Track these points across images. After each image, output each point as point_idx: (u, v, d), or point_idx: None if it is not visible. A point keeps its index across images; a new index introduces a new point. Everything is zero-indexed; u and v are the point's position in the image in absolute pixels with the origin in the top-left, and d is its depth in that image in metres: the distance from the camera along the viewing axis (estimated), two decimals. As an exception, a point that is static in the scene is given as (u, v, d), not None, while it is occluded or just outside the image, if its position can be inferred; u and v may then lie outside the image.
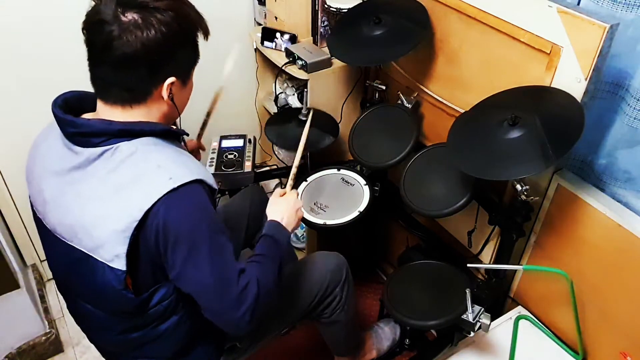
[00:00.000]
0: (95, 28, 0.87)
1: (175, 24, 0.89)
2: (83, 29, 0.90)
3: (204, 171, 0.96)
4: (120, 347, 1.09)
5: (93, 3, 0.89)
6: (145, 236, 0.90)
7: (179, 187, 0.89)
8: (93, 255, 0.92)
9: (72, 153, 0.94)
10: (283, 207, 1.19)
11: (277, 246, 1.09)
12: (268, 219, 1.16)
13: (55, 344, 1.78)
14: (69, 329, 1.86)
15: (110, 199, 0.90)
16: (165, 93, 0.94)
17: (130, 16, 0.86)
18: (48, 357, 1.78)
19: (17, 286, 1.65)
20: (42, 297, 1.88)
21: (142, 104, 0.94)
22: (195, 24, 0.95)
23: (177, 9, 0.91)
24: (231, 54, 1.33)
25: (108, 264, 0.91)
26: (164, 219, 0.88)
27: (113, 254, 0.90)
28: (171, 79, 0.94)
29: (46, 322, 1.78)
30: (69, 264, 0.98)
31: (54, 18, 1.58)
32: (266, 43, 1.80)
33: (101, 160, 0.92)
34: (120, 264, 0.90)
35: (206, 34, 0.98)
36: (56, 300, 1.94)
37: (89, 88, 0.99)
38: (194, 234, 0.91)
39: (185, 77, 0.98)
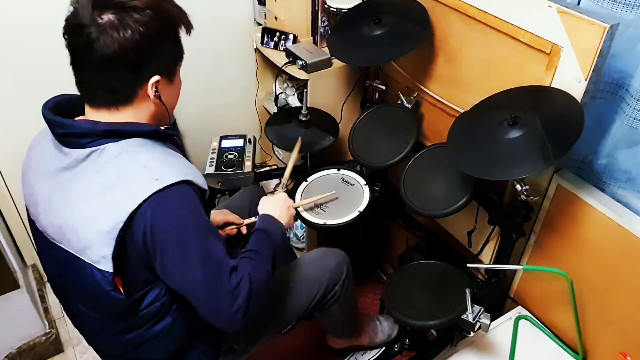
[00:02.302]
0: (74, 31, 0.87)
1: (153, 23, 0.88)
2: (64, 33, 0.89)
3: (192, 172, 0.95)
4: (116, 349, 1.09)
5: (72, 8, 0.88)
6: (133, 237, 0.90)
7: (165, 188, 0.89)
8: (81, 257, 0.92)
9: (62, 154, 0.94)
10: (274, 202, 1.21)
11: (269, 239, 1.10)
12: (260, 214, 1.18)
13: (55, 344, 1.78)
14: (69, 329, 1.86)
15: (96, 200, 0.90)
16: (151, 92, 0.94)
17: (106, 17, 0.85)
18: (48, 357, 1.78)
19: (17, 286, 1.65)
20: (42, 297, 1.88)
21: (129, 105, 0.94)
22: (175, 20, 0.94)
23: (155, 7, 0.89)
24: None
25: (95, 265, 0.91)
26: (151, 221, 0.88)
27: (99, 255, 0.90)
28: (155, 78, 0.93)
29: (46, 322, 1.78)
30: (60, 266, 0.98)
31: (55, 18, 1.57)
32: (266, 43, 1.80)
33: (88, 162, 0.92)
34: (107, 266, 0.90)
35: (188, 29, 0.96)
36: (56, 300, 1.92)
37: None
38: (182, 235, 0.91)
39: (170, 74, 0.97)
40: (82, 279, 0.94)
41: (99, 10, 0.85)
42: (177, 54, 0.98)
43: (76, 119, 0.97)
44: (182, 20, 0.95)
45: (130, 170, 0.91)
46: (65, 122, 0.92)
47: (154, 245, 0.90)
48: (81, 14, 0.86)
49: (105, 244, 0.89)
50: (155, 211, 0.88)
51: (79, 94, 0.99)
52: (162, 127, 1.00)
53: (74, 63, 0.91)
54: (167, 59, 0.96)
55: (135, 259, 0.93)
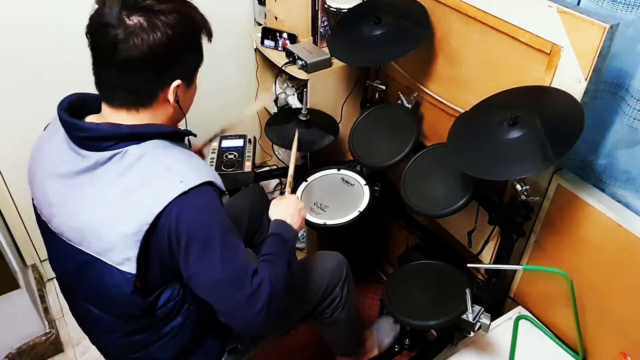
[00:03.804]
0: (100, 32, 0.87)
1: (180, 27, 0.89)
2: (87, 33, 0.89)
3: (213, 173, 0.96)
4: (123, 349, 1.09)
5: (96, 7, 0.88)
6: (158, 239, 0.90)
7: (189, 189, 0.89)
8: (102, 259, 0.92)
9: (80, 157, 0.93)
10: (285, 207, 1.19)
11: (284, 244, 1.10)
12: (272, 219, 1.17)
13: (55, 344, 1.78)
14: (69, 329, 1.86)
15: (119, 202, 0.90)
16: (171, 96, 0.94)
17: (135, 19, 0.86)
18: (48, 357, 1.78)
19: (17, 286, 1.65)
20: (42, 297, 1.88)
21: (148, 108, 0.94)
22: (199, 27, 0.95)
23: (181, 12, 0.91)
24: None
25: (117, 267, 0.91)
26: (176, 221, 0.89)
27: (123, 257, 0.90)
28: (177, 82, 0.94)
29: (46, 322, 1.78)
30: (75, 268, 0.98)
31: (55, 19, 1.58)
32: (266, 43, 1.80)
33: (110, 164, 0.92)
34: (131, 268, 0.90)
35: (209, 36, 0.98)
36: (56, 300, 1.94)
37: (90, 89, 0.99)
38: (206, 235, 0.91)
39: (189, 79, 0.99)
40: (99, 281, 0.94)
41: (127, 12, 0.86)
42: (199, 59, 0.99)
43: (93, 119, 0.96)
44: (205, 27, 0.96)
45: (153, 173, 0.91)
46: (85, 126, 0.92)
47: (178, 245, 0.90)
48: (108, 14, 0.86)
49: (130, 246, 0.89)
50: (181, 212, 0.89)
51: (89, 92, 1.00)
52: (180, 128, 1.02)
53: (96, 63, 0.91)
54: (189, 64, 0.97)
55: (156, 261, 0.93)
